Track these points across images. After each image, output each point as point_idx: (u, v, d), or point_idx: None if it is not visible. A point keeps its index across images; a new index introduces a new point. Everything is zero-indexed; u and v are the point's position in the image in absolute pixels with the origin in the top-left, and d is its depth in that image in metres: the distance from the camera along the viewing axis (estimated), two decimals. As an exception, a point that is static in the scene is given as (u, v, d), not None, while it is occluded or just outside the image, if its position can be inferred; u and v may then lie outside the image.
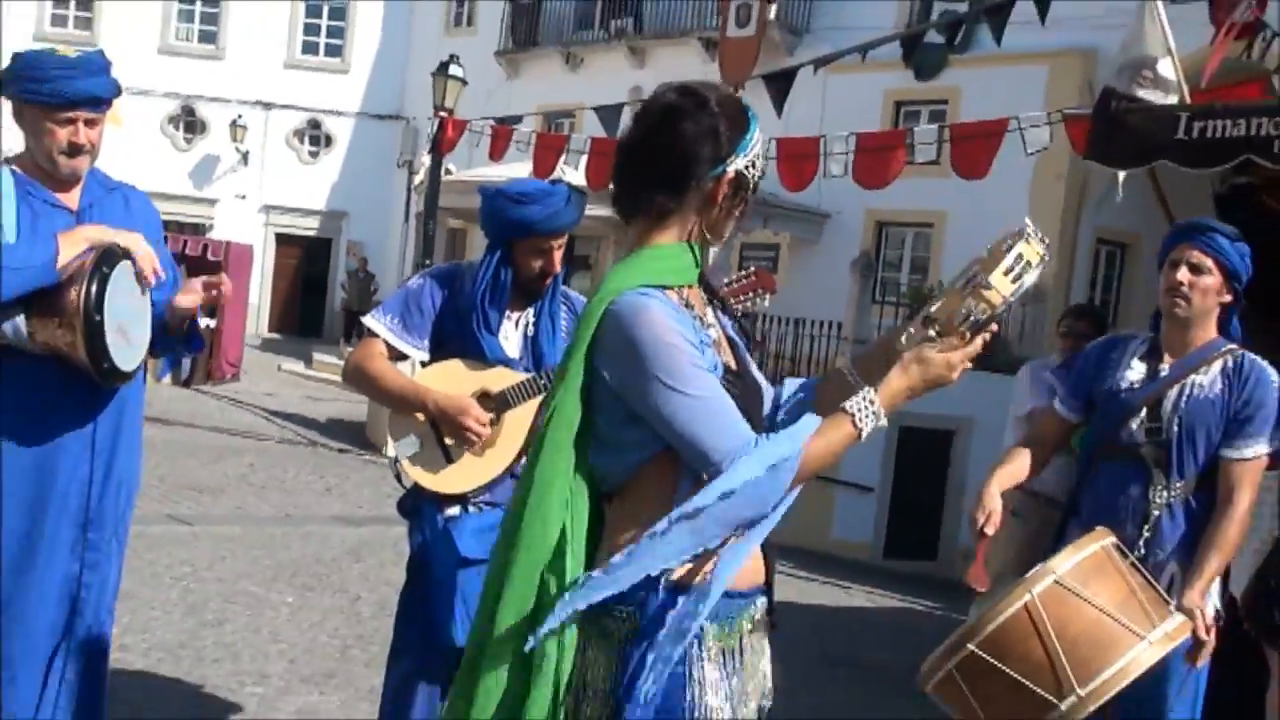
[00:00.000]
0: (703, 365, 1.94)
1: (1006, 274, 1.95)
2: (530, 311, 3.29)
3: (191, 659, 4.84)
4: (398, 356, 3.21)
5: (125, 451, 3.13)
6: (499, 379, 3.18)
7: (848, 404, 1.95)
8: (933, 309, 2.04)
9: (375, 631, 3.54)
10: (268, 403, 16.08)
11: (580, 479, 1.99)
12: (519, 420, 3.16)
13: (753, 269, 3.16)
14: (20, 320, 2.83)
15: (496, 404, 3.16)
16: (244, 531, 7.76)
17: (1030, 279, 1.96)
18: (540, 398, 3.20)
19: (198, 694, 4.45)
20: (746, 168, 2.04)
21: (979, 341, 1.99)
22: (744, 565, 2.02)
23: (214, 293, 3.15)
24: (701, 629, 1.97)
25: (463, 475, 3.15)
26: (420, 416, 3.15)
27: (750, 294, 3.09)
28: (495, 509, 3.16)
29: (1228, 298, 3.28)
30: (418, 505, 3.24)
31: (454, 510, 3.16)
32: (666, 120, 2.03)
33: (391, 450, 3.19)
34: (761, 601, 2.14)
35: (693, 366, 1.92)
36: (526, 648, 1.92)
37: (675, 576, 1.95)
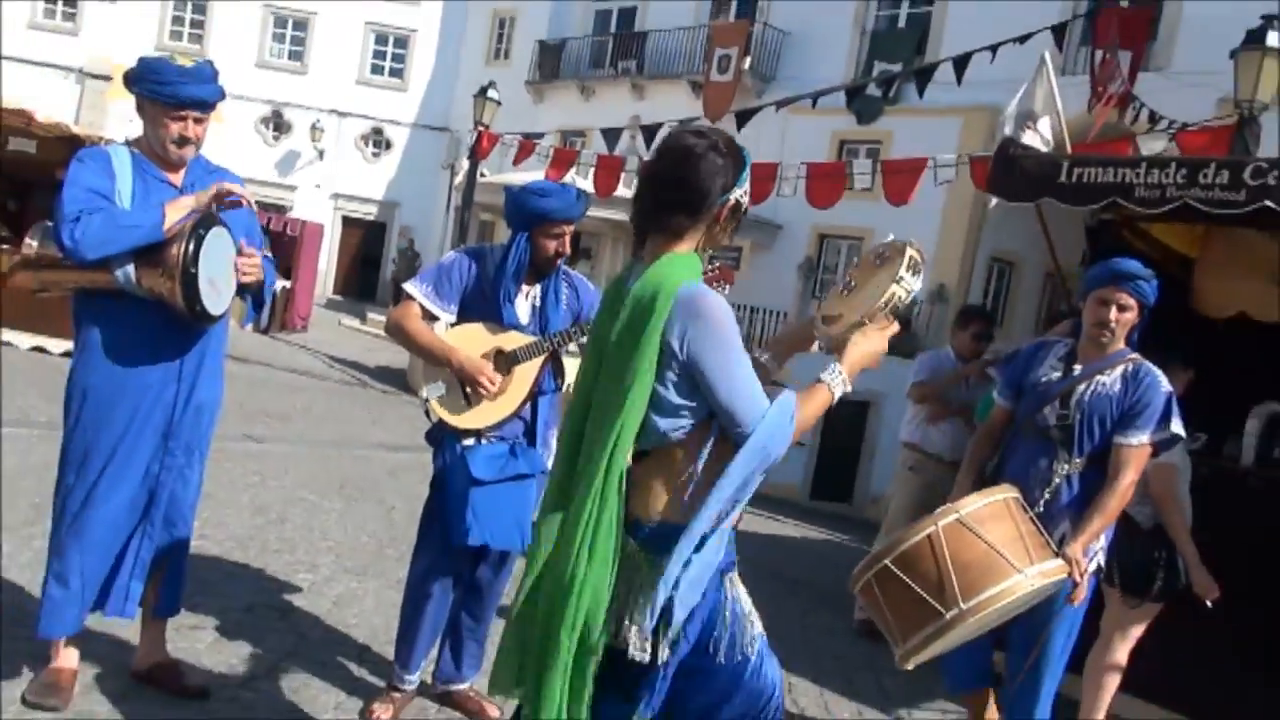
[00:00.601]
0: (739, 344, 2.02)
1: (910, 271, 2.13)
2: (538, 287, 3.28)
3: (257, 549, 4.82)
4: (430, 317, 3.20)
5: (207, 381, 3.10)
6: (511, 340, 3.18)
7: (823, 376, 2.10)
8: (851, 306, 2.21)
9: (405, 535, 3.53)
10: (329, 350, 16.00)
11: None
12: (525, 374, 3.18)
13: (718, 264, 3.15)
14: (130, 269, 2.85)
15: (508, 360, 3.16)
16: (305, 451, 7.73)
17: (920, 275, 2.15)
18: (543, 357, 3.21)
19: (260, 577, 4.43)
20: (742, 196, 2.11)
21: (896, 325, 2.18)
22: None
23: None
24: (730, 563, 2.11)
25: (478, 415, 3.16)
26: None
27: (714, 284, 3.09)
28: (503, 442, 3.18)
29: (1137, 320, 3.29)
30: (441, 436, 3.24)
31: (470, 442, 3.17)
32: (687, 159, 2.07)
33: (423, 393, 3.19)
34: None
35: (740, 346, 2.01)
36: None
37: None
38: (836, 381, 2.09)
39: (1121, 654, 4.19)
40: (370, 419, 10.33)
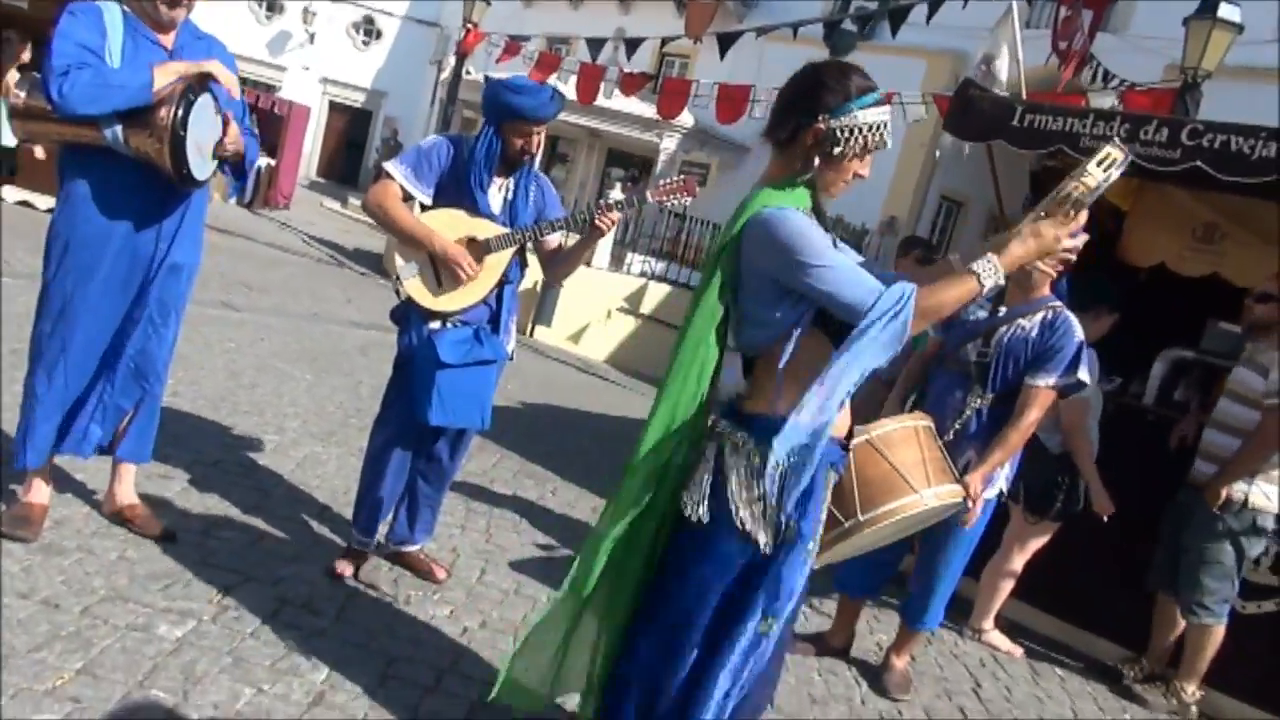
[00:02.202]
0: (831, 246, 1.99)
1: (1099, 165, 1.95)
2: (510, 181, 3.20)
3: (227, 410, 4.78)
4: (406, 198, 3.12)
5: (186, 243, 3.04)
6: (484, 229, 3.11)
7: (973, 265, 1.97)
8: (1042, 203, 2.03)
9: (370, 408, 3.52)
10: (310, 229, 15.68)
11: (713, 350, 2.08)
12: (496, 263, 3.13)
13: (681, 176, 3.11)
14: (119, 128, 2.76)
15: (480, 249, 3.10)
16: (279, 322, 7.62)
17: (1116, 173, 1.95)
18: (513, 249, 3.15)
19: (229, 435, 4.40)
20: (838, 130, 1.98)
21: (1081, 218, 1.99)
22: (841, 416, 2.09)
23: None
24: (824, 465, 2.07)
25: (448, 300, 3.11)
26: (421, 249, 3.09)
27: (677, 194, 3.07)
28: (468, 327, 3.14)
29: (1060, 268, 3.29)
30: (407, 315, 3.19)
31: (436, 325, 3.12)
32: (796, 75, 2.08)
33: (395, 271, 3.12)
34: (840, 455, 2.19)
35: (827, 246, 1.97)
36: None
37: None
38: (988, 271, 1.94)
39: (1017, 564, 4.35)
40: (345, 297, 10.19)
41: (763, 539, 2.02)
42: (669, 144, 18.05)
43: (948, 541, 3.38)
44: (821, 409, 1.95)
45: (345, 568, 3.26)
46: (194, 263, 3.13)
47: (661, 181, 3.14)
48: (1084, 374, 3.25)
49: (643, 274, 14.62)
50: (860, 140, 1.99)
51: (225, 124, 2.97)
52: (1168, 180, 4.37)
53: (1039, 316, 3.28)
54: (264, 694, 2.46)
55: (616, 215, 3.05)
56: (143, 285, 2.96)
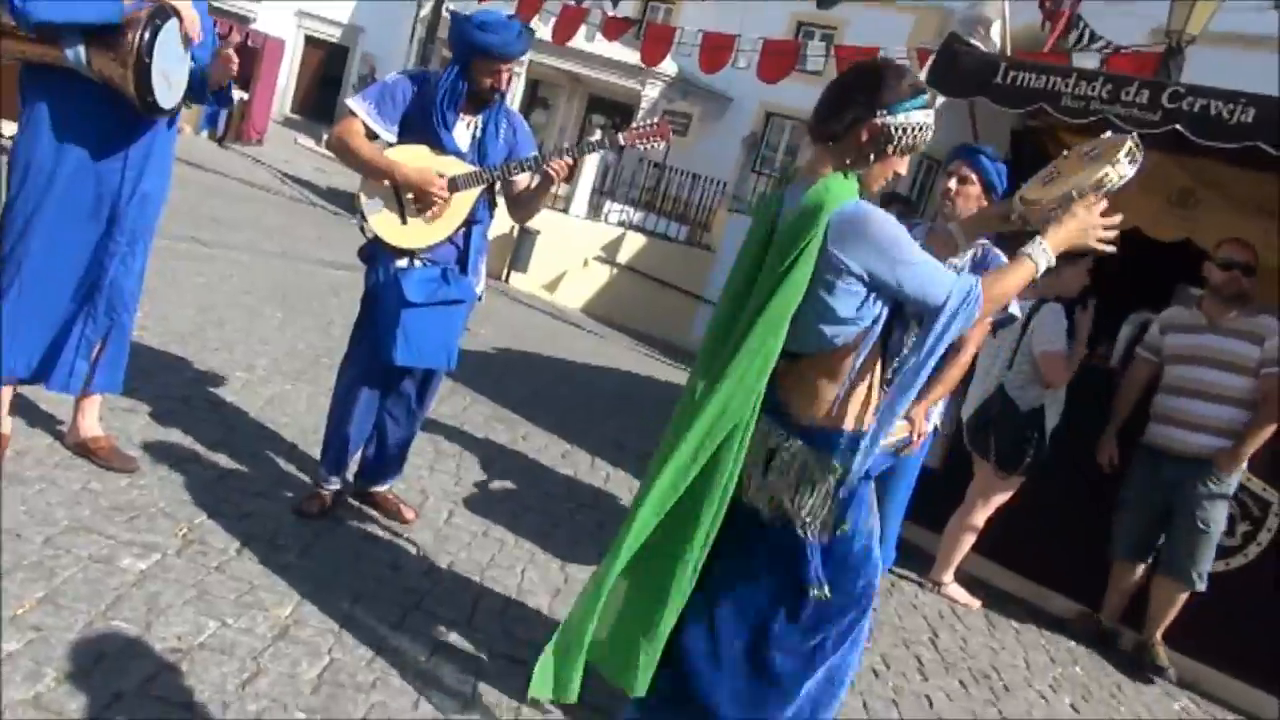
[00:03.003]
0: (912, 240, 1.98)
1: (1129, 160, 2.10)
2: (480, 119, 3.14)
3: (196, 345, 4.72)
4: (371, 136, 3.05)
5: (154, 173, 2.98)
6: (451, 166, 3.05)
7: (1027, 249, 2.04)
8: (1068, 185, 2.14)
9: (342, 348, 3.49)
10: (283, 167, 15.43)
11: (780, 344, 1.98)
12: (462, 201, 3.08)
13: (656, 120, 3.06)
14: (82, 49, 2.69)
15: (447, 186, 3.05)
16: (250, 260, 7.52)
17: (1136, 166, 2.11)
18: (480, 188, 3.10)
19: (197, 371, 4.36)
20: (892, 127, 1.97)
21: (1105, 205, 2.10)
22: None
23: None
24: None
25: (413, 236, 3.06)
26: (386, 184, 3.03)
27: (651, 138, 3.03)
28: (435, 266, 3.10)
29: (985, 203, 3.31)
30: (375, 253, 3.14)
31: (403, 263, 3.08)
32: (836, 80, 2.09)
33: (359, 207, 3.07)
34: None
35: (912, 243, 1.96)
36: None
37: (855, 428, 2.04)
38: (1040, 253, 2.04)
39: (979, 519, 4.42)
40: (317, 236, 10.07)
41: (812, 538, 2.06)
42: (651, 92, 17.85)
43: (891, 479, 3.53)
44: (893, 414, 2.01)
45: (312, 505, 3.25)
46: (162, 192, 3.07)
47: (635, 125, 3.10)
48: (1014, 308, 3.30)
49: (620, 223, 14.54)
50: (909, 139, 2.00)
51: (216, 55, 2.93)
52: (1146, 143, 4.37)
53: (969, 254, 3.30)
54: (228, 627, 2.46)
55: (568, 161, 3.01)
56: (112, 215, 2.91)
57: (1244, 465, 4.03)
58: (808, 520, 2.04)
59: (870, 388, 2.07)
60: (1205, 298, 4.21)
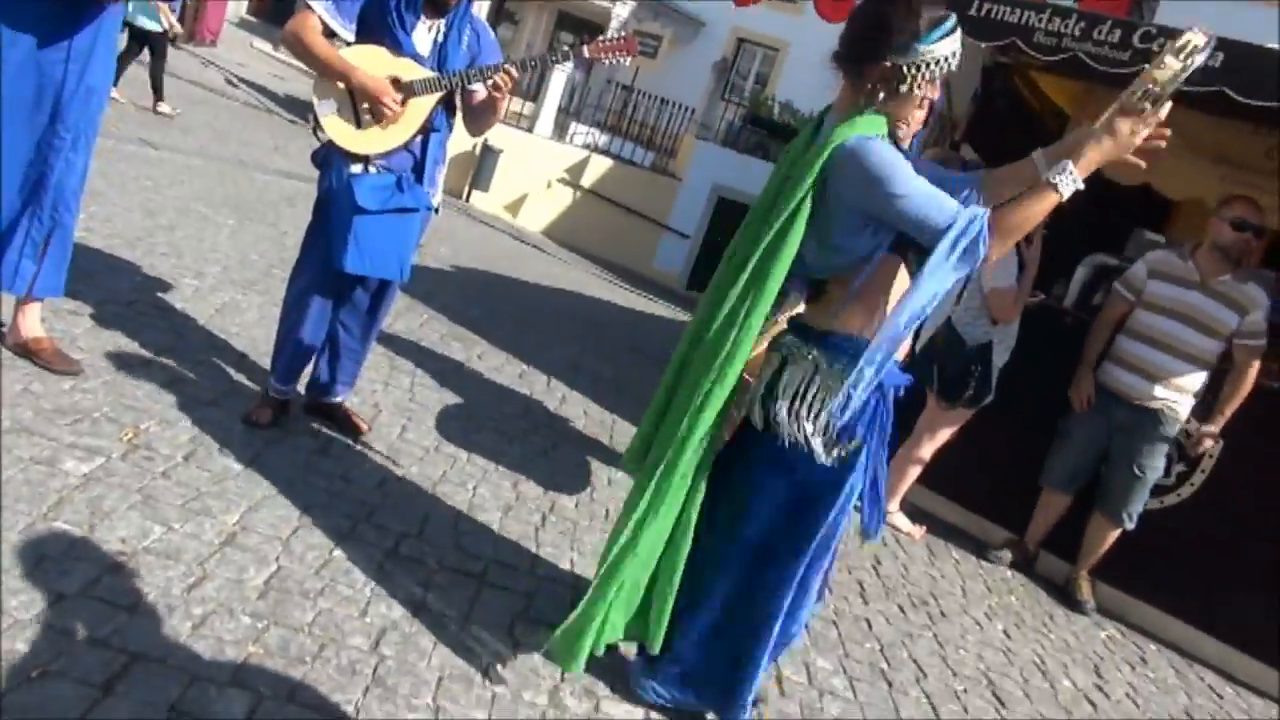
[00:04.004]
0: (913, 171, 1.96)
1: (1177, 54, 1.86)
2: (443, 22, 3.03)
3: (143, 250, 4.60)
4: (328, 34, 2.94)
5: (98, 67, 2.85)
6: (409, 70, 2.95)
7: (1050, 176, 1.95)
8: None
9: (295, 259, 3.43)
10: (238, 70, 14.92)
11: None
12: (420, 107, 2.98)
13: (622, 34, 2.98)
14: None
15: (404, 90, 2.95)
16: (202, 164, 7.30)
17: (1198, 59, 1.86)
18: (440, 94, 3.01)
19: (144, 276, 4.25)
20: (905, 67, 1.96)
21: (1162, 111, 1.90)
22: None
23: None
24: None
25: (368, 141, 2.97)
26: (341, 85, 2.93)
27: (617, 52, 2.95)
28: (389, 173, 3.03)
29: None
30: (329, 157, 3.06)
31: (357, 168, 2.99)
32: (861, 10, 2.06)
33: (314, 108, 2.97)
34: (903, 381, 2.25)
35: (911, 173, 1.95)
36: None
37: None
38: (1066, 180, 1.91)
39: (926, 451, 4.51)
40: (273, 144, 9.79)
41: (819, 449, 2.10)
42: (622, 10, 17.44)
43: None
44: (897, 330, 2.02)
45: (262, 414, 3.22)
46: (106, 86, 2.95)
47: (601, 38, 3.00)
48: None
49: (586, 146, 14.33)
50: (928, 73, 1.98)
51: None
52: (1115, 82, 4.38)
53: None
54: (174, 532, 2.45)
55: (514, 73, 2.93)
56: (55, 110, 2.79)
57: (1184, 415, 4.14)
58: (806, 429, 2.11)
59: (885, 299, 2.11)
60: (1203, 252, 4.16)
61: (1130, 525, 4.25)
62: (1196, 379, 4.11)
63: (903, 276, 2.11)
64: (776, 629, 2.26)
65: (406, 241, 3.08)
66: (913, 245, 2.03)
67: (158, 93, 8.98)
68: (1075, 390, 4.40)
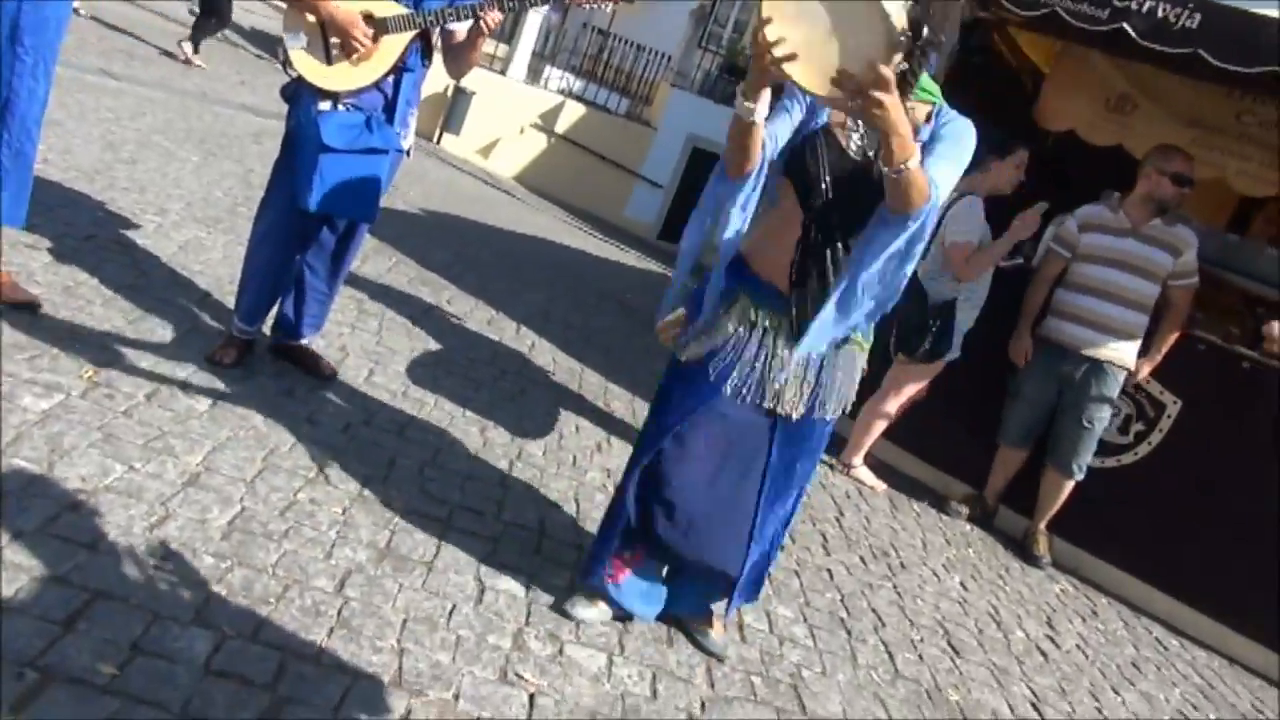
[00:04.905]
0: None
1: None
2: None
3: (104, 184, 4.49)
4: None
5: (55, -10, 2.75)
6: (382, 7, 2.88)
7: (905, 164, 1.92)
8: None
9: (260, 198, 3.37)
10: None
11: None
12: (392, 45, 2.91)
13: None
14: None
15: (376, 27, 2.87)
16: (165, 97, 7.11)
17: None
18: (414, 32, 2.94)
19: (104, 210, 4.15)
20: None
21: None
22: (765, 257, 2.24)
23: None
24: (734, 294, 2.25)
25: (338, 77, 2.90)
26: (311, 18, 2.85)
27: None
28: (359, 112, 2.96)
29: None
30: (298, 93, 2.98)
31: (325, 105, 2.92)
32: None
33: (283, 40, 2.89)
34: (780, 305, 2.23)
35: None
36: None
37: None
38: (914, 162, 1.89)
39: (891, 406, 4.55)
40: (239, 79, 9.54)
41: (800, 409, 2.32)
42: (599, -47, 17.07)
43: None
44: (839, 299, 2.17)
45: (226, 354, 3.18)
46: (66, 12, 2.84)
47: None
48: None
49: (560, 91, 14.12)
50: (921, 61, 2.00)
51: None
52: (1093, 41, 4.37)
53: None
54: (135, 471, 2.42)
55: (497, 15, 2.87)
56: (14, 32, 2.68)
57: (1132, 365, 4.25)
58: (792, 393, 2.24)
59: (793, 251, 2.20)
60: (1132, 202, 4.28)
61: (1080, 475, 4.34)
62: (1138, 323, 4.22)
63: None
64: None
65: (373, 183, 3.02)
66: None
67: (195, 43, 9.09)
68: (1014, 346, 4.50)
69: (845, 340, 2.24)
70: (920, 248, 2.04)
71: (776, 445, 2.30)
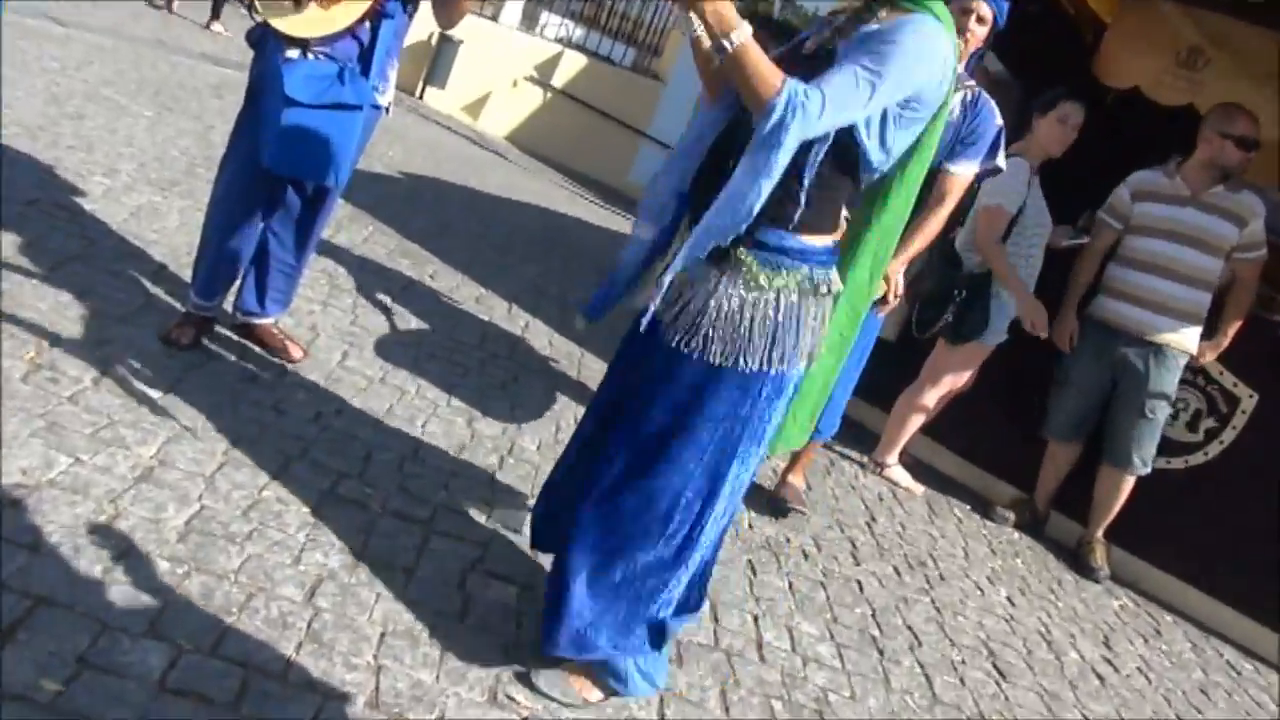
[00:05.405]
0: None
1: None
2: None
3: (47, 141, 4.48)
4: None
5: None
6: None
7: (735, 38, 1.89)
8: None
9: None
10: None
11: None
12: (365, -10, 2.89)
13: None
14: None
15: None
16: (115, 45, 7.10)
17: None
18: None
19: (48, 172, 4.15)
20: None
21: None
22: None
23: None
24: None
25: (307, 23, 2.87)
26: None
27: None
28: (331, 61, 2.94)
29: (985, 39, 3.31)
30: (264, 38, 2.97)
31: (294, 53, 2.89)
32: None
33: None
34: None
35: (909, 73, 1.95)
36: None
37: None
38: (739, 35, 1.87)
39: (930, 398, 4.54)
40: (198, 24, 9.53)
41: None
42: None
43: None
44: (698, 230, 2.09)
45: (183, 334, 3.18)
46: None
47: None
48: (1003, 160, 3.40)
49: (559, 40, 14.06)
50: None
51: None
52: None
53: (958, 97, 3.29)
54: (83, 464, 2.42)
55: None
56: None
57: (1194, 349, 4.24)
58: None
59: None
60: (1190, 168, 4.26)
61: (1144, 469, 4.31)
62: (1199, 302, 4.20)
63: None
64: None
65: (343, 142, 2.99)
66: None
67: (216, 11, 9.35)
68: (1058, 328, 4.46)
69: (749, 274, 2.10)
70: (776, 160, 1.88)
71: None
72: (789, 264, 2.07)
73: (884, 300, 3.31)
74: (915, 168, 2.21)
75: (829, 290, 2.14)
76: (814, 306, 2.13)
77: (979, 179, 3.46)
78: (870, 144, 2.00)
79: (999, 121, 3.34)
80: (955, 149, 3.29)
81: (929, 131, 2.15)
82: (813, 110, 1.85)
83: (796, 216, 2.04)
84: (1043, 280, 4.37)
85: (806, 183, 2.01)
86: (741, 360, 2.09)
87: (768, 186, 1.91)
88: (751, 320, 2.08)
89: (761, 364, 2.10)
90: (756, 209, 1.94)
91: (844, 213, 2.19)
